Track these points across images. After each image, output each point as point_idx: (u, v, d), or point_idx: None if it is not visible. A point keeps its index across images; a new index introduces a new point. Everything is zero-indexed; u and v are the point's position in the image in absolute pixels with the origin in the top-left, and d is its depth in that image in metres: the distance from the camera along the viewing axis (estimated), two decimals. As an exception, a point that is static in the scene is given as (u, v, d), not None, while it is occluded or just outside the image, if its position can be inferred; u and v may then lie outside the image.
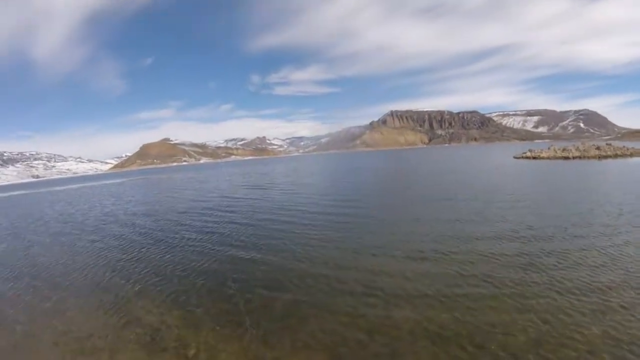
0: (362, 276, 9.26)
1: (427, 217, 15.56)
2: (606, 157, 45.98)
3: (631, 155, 47.14)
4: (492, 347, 5.90)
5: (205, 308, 8.21)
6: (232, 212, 20.89)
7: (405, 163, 66.99)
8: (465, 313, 7.02)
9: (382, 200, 22.32)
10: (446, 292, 7.96)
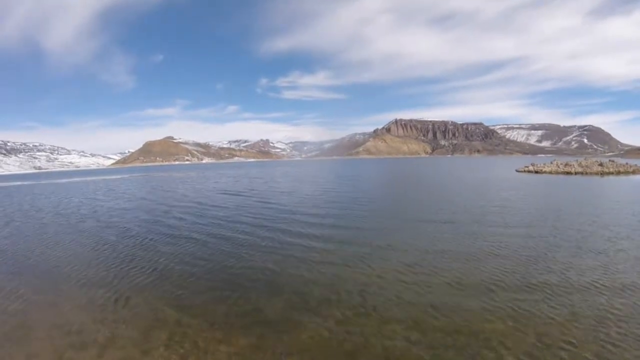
0: (353, 287, 9.24)
1: (422, 229, 15.57)
2: (608, 173, 45.67)
3: (633, 172, 46.78)
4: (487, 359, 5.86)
5: (199, 309, 8.18)
6: (230, 215, 21.02)
7: (405, 173, 67.04)
8: (458, 327, 6.97)
9: (377, 209, 22.33)
10: (438, 306, 7.92)
